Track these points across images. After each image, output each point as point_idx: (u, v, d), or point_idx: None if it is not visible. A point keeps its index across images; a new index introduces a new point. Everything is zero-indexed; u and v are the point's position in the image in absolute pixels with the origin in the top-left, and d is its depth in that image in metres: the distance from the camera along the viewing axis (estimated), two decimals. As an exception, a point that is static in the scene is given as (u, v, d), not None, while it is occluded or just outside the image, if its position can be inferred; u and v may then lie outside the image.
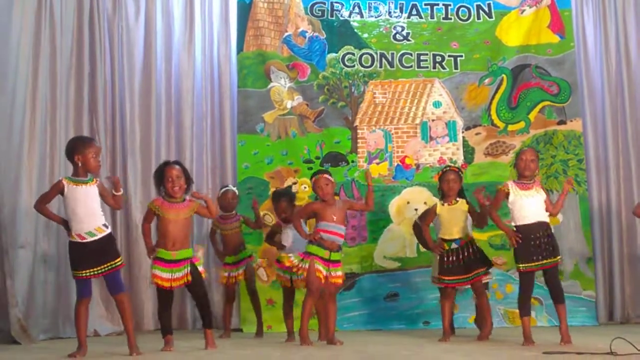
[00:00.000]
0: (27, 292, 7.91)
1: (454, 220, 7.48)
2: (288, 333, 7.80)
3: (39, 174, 8.32)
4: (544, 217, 7.06)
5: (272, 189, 9.05)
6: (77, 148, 6.47)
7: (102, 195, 6.53)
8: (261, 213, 8.76)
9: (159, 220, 6.68)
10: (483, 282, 7.61)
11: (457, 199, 7.54)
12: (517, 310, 7.26)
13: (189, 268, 6.61)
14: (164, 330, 6.78)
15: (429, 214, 7.78)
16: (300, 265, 7.13)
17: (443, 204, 7.53)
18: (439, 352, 6.40)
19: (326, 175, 7.29)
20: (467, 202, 7.57)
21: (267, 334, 8.45)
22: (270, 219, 8.90)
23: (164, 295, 6.72)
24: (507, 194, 7.06)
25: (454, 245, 7.43)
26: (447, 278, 7.44)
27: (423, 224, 7.83)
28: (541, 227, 7.00)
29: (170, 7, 9.54)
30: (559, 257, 7.11)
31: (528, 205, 7.01)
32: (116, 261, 6.43)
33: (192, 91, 9.50)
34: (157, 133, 9.37)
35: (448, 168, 7.76)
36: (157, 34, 9.47)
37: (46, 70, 8.61)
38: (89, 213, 6.38)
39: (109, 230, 6.49)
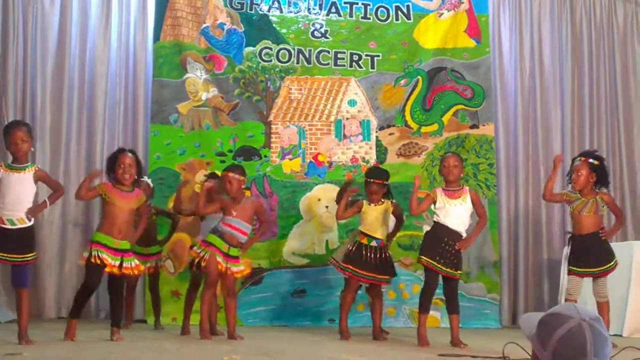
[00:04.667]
0: None
1: (377, 220, 7.49)
2: (185, 325, 7.70)
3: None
4: (463, 229, 7.17)
5: (183, 178, 9.02)
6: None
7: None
8: (170, 205, 8.67)
9: (106, 205, 6.67)
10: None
11: (383, 199, 7.56)
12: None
13: (126, 262, 6.61)
14: (74, 313, 6.68)
15: (353, 206, 7.69)
16: (200, 254, 7.06)
17: (369, 204, 7.53)
18: (335, 350, 6.42)
19: (231, 174, 7.17)
20: (392, 203, 7.60)
21: (171, 326, 8.36)
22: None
23: (94, 280, 6.63)
24: (434, 201, 7.15)
25: (373, 243, 7.45)
26: (353, 268, 7.41)
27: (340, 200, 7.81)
28: (455, 238, 7.10)
29: (87, -8, 9.40)
30: (459, 272, 7.21)
31: (453, 214, 7.12)
32: (27, 255, 6.39)
33: (106, 78, 9.36)
34: (68, 119, 9.22)
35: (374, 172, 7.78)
36: (72, 18, 9.29)
37: (-46, 51, 8.45)
38: (15, 201, 6.32)
39: (30, 223, 6.42)
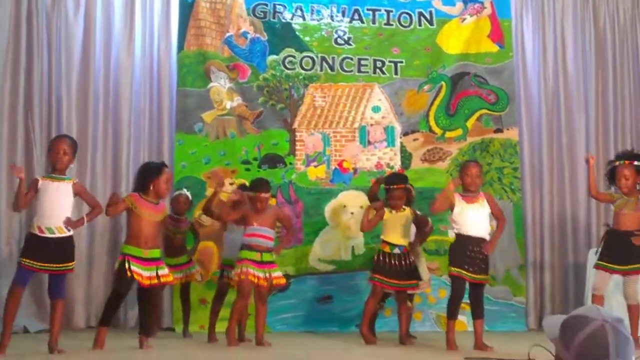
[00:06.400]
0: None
1: (399, 227, 7.55)
2: (211, 332, 7.75)
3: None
4: (485, 234, 7.23)
5: (210, 188, 9.06)
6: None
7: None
8: (197, 214, 8.73)
9: (133, 217, 6.74)
10: (409, 292, 7.73)
11: (404, 207, 7.61)
12: (448, 315, 7.42)
13: (156, 271, 6.68)
14: (104, 320, 6.73)
15: (376, 215, 7.73)
16: (235, 272, 7.17)
17: (391, 211, 7.58)
18: (363, 355, 6.46)
19: (263, 195, 7.29)
20: (413, 212, 7.64)
21: (199, 334, 8.41)
22: (207, 219, 8.86)
23: (124, 289, 6.73)
24: (452, 205, 7.18)
25: (396, 250, 7.50)
26: (380, 277, 7.49)
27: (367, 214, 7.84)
28: (479, 243, 7.15)
29: (111, 3, 9.43)
30: (487, 277, 7.29)
31: (472, 219, 7.18)
32: (67, 265, 6.47)
33: (131, 88, 9.41)
34: (94, 130, 9.27)
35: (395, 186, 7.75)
36: (96, 30, 9.35)
37: (-20, 63, 8.55)
38: (53, 209, 6.42)
39: (69, 233, 6.50)
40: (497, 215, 7.37)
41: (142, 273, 6.59)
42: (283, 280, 7.42)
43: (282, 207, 9.02)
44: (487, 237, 7.23)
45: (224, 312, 7.71)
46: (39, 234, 6.40)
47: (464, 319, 8.71)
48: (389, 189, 7.64)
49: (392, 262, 7.48)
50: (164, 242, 8.31)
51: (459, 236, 7.21)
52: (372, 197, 8.14)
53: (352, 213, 9.27)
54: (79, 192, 6.65)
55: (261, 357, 6.04)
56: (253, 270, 7.09)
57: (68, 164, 6.62)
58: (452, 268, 7.14)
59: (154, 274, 6.66)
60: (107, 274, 8.73)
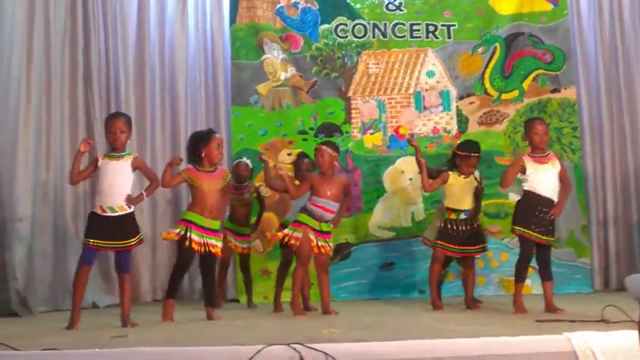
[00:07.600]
0: (26, 265, 7.90)
1: (464, 192, 7.51)
2: (276, 302, 7.77)
3: (35, 147, 8.34)
4: (555, 195, 7.12)
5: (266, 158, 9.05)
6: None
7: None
8: (257, 184, 8.76)
9: (194, 190, 6.86)
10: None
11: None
12: (511, 279, 7.38)
13: (211, 240, 6.78)
14: (170, 292, 6.89)
15: (439, 177, 7.67)
16: (292, 235, 7.18)
17: (460, 176, 7.53)
18: (432, 321, 6.44)
19: (324, 147, 7.28)
20: (476, 179, 7.59)
21: (263, 305, 8.48)
22: (266, 191, 8.91)
23: (187, 259, 6.86)
24: (524, 169, 7.11)
25: (462, 216, 7.48)
26: (443, 243, 7.48)
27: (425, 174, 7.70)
28: (549, 204, 7.06)
29: (164, -21, 9.52)
30: (554, 239, 7.23)
31: (544, 179, 7.08)
32: (131, 240, 6.58)
33: (186, 64, 9.50)
34: (152, 105, 9.41)
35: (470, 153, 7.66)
36: (150, 6, 9.46)
37: (41, 44, 8.58)
38: (113, 188, 6.53)
39: (130, 210, 6.59)
40: (563, 178, 7.26)
41: (197, 240, 6.71)
42: (329, 250, 7.38)
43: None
44: (556, 199, 7.13)
45: (287, 282, 7.76)
46: (101, 214, 6.49)
47: (529, 282, 8.67)
48: (468, 156, 7.54)
49: (459, 227, 7.46)
50: (229, 210, 8.40)
51: (529, 193, 7.09)
52: (427, 170, 7.93)
53: (410, 179, 9.24)
54: (139, 166, 6.73)
55: (334, 324, 6.02)
56: (312, 237, 7.13)
57: (126, 140, 6.69)
58: (516, 227, 7.06)
59: (209, 241, 6.77)
60: (170, 247, 8.77)
